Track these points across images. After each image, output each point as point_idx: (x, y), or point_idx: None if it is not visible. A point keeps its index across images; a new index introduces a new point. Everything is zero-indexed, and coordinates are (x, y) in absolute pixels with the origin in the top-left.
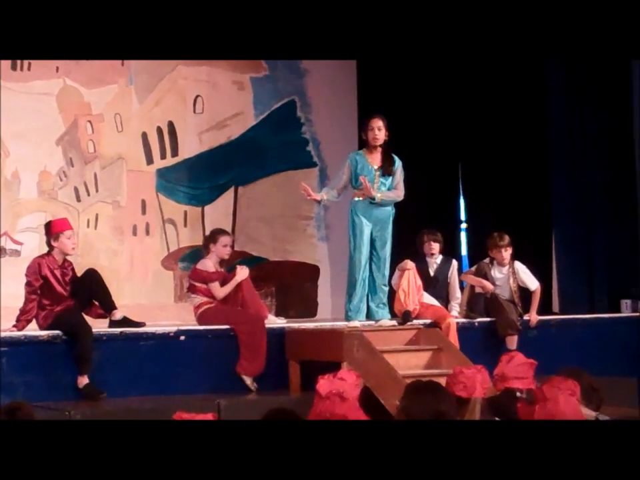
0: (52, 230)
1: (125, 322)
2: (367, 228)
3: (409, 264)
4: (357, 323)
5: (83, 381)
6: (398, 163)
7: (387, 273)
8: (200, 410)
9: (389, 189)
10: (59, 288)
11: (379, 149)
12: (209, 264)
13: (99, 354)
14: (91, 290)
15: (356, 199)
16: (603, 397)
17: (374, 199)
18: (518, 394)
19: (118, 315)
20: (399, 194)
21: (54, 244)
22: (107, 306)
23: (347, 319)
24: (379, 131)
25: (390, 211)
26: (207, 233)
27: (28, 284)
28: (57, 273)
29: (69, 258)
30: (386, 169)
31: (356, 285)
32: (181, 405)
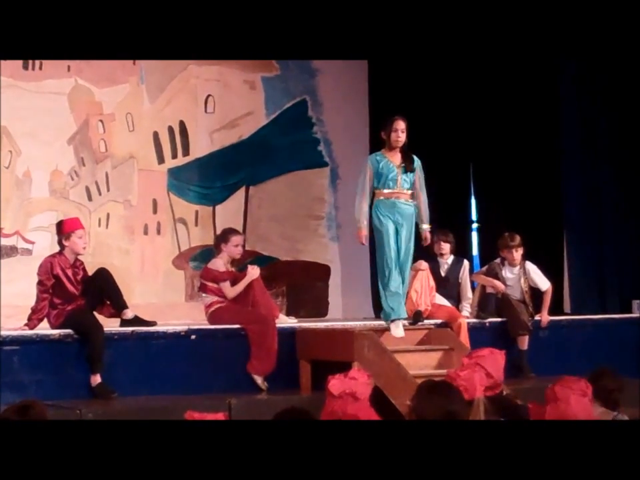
0: (63, 229)
1: (136, 321)
2: (391, 226)
3: (423, 264)
4: (401, 330)
5: (96, 379)
6: (417, 161)
7: (407, 274)
8: (211, 409)
9: (410, 186)
10: (70, 287)
11: (398, 149)
12: (220, 263)
13: (110, 353)
14: (102, 289)
15: (381, 198)
16: (618, 398)
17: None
18: (504, 392)
19: (129, 314)
20: (424, 198)
21: (65, 243)
22: (118, 305)
23: (386, 317)
24: (402, 132)
25: (413, 209)
26: (218, 232)
27: (40, 283)
28: (69, 272)
29: (80, 257)
30: (407, 166)
31: (390, 282)
32: (192, 404)
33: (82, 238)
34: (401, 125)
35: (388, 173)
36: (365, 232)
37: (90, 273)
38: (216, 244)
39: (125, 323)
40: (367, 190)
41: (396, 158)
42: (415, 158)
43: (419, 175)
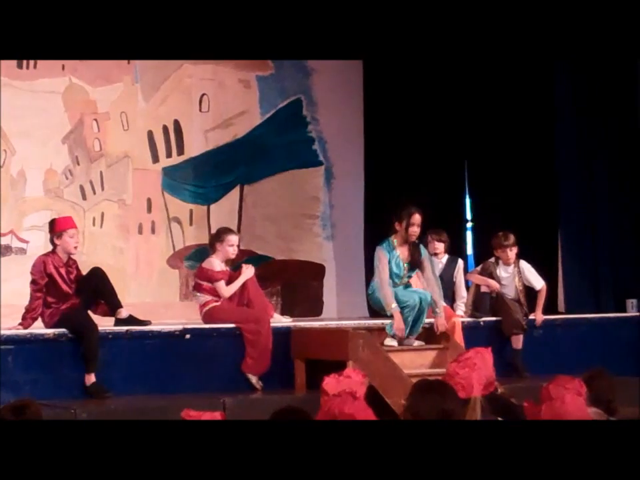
0: (55, 228)
1: (131, 320)
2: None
3: None
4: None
5: (90, 379)
6: (424, 253)
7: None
8: (205, 408)
9: (412, 275)
10: (64, 286)
11: (409, 242)
12: (215, 263)
13: (105, 352)
14: (96, 288)
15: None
16: (617, 406)
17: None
18: (499, 390)
19: (124, 313)
20: (438, 283)
21: (57, 242)
22: (112, 304)
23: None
24: (418, 227)
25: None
26: (213, 231)
27: (33, 282)
28: (62, 270)
29: (74, 256)
30: (414, 263)
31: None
32: (187, 404)
33: (73, 237)
34: (418, 219)
35: (397, 271)
36: (399, 313)
37: (84, 272)
38: (211, 243)
39: (119, 322)
40: (386, 277)
41: (405, 253)
42: (423, 250)
43: (427, 265)
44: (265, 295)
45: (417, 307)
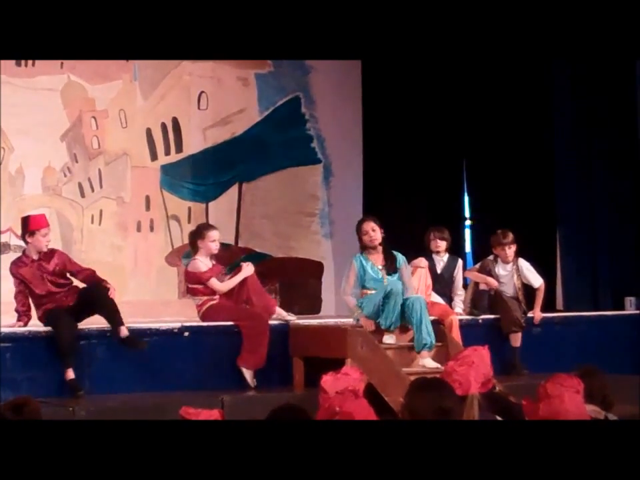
0: (29, 226)
1: (129, 341)
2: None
3: (423, 262)
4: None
5: (69, 375)
6: (401, 259)
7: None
8: (204, 406)
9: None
10: (41, 285)
11: (379, 248)
12: (198, 264)
13: (103, 350)
14: (95, 306)
15: (367, 293)
16: (612, 400)
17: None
18: (497, 388)
19: (124, 331)
20: (412, 293)
21: (29, 240)
22: (113, 322)
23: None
24: (373, 232)
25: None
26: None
27: (14, 283)
28: (34, 269)
29: (69, 252)
30: (390, 267)
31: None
32: (185, 401)
33: (45, 236)
34: (369, 225)
35: (374, 275)
36: (365, 317)
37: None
38: (191, 241)
39: (118, 340)
40: (349, 285)
41: (378, 259)
42: (397, 256)
43: (403, 271)
44: (266, 292)
45: (400, 292)
